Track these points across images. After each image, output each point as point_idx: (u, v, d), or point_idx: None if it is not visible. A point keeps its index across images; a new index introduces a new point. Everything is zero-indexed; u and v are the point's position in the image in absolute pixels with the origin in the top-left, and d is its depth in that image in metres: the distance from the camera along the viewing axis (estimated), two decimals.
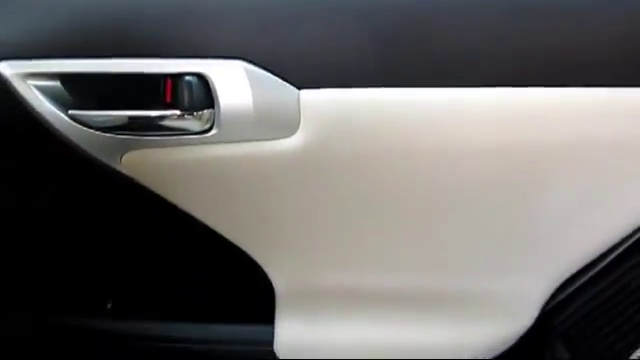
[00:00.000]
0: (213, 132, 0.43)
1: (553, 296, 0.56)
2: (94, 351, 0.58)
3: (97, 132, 0.43)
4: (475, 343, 0.56)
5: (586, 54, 0.43)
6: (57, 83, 0.42)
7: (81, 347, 0.58)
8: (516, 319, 0.55)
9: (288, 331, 0.55)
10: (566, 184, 0.48)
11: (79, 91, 0.42)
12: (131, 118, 0.43)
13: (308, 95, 0.43)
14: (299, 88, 0.42)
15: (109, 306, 0.58)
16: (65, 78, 0.42)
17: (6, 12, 0.42)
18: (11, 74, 0.41)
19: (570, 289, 0.56)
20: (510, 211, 0.50)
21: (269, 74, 0.42)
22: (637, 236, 0.51)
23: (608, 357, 0.49)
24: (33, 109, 0.42)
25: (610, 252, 0.53)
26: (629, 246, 0.52)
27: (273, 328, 0.56)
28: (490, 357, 0.56)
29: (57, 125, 0.42)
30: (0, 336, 0.57)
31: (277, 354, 0.56)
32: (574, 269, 0.54)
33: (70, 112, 0.42)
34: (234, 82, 0.41)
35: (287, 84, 0.42)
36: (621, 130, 0.45)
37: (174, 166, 0.46)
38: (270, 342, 0.56)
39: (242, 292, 0.58)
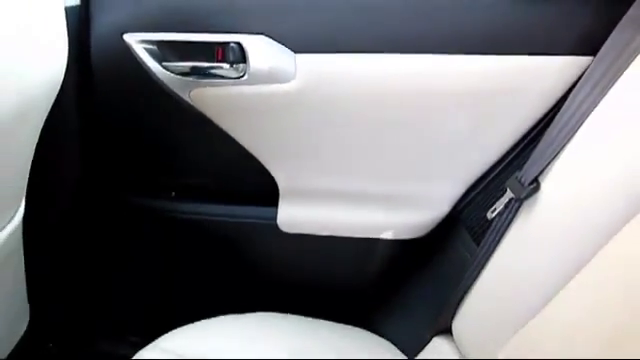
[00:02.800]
0: (245, 78, 0.70)
1: (461, 199, 0.83)
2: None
3: (177, 76, 0.72)
4: (407, 226, 0.82)
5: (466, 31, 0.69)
6: (155, 47, 0.71)
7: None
8: (434, 210, 0.80)
9: (286, 213, 0.82)
10: (461, 119, 0.74)
11: (168, 51, 0.71)
12: (197, 68, 0.71)
13: (300, 57, 0.70)
14: (295, 52, 0.70)
15: (173, 195, 0.86)
16: (160, 44, 0.71)
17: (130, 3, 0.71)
18: (132, 41, 0.70)
19: (472, 193, 0.83)
20: (430, 137, 0.76)
21: (278, 44, 0.70)
22: (514, 153, 0.76)
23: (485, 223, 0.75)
24: (143, 62, 0.71)
25: (496, 166, 0.78)
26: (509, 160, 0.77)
27: (277, 210, 0.82)
28: (416, 236, 0.82)
29: (155, 71, 0.71)
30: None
31: (279, 226, 0.83)
32: (474, 178, 0.79)
33: (163, 63, 0.71)
34: (258, 48, 0.70)
35: (288, 50, 0.70)
36: (490, 85, 0.71)
37: (220, 98, 0.73)
38: (275, 219, 0.83)
39: (258, 187, 0.83)
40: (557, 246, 0.55)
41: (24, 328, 0.79)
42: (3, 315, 0.72)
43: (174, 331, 0.72)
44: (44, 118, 0.58)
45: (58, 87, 0.56)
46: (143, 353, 0.69)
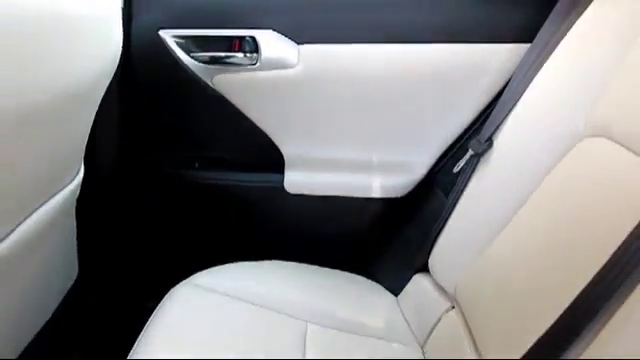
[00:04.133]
0: (257, 65, 0.87)
1: (435, 164, 1.00)
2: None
3: (202, 64, 0.88)
4: (392, 187, 0.98)
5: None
6: (184, 41, 0.87)
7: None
8: (413, 174, 0.97)
9: (291, 178, 0.98)
10: (434, 97, 0.91)
11: (195, 44, 0.87)
12: (218, 57, 0.87)
13: (303, 47, 0.87)
14: (299, 44, 0.87)
15: (197, 165, 1.02)
16: (188, 38, 0.87)
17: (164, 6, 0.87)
18: (166, 36, 0.86)
19: (444, 160, 1.00)
20: (409, 113, 0.93)
21: (284, 36, 0.86)
22: (476, 125, 0.94)
23: None
24: (175, 53, 0.87)
25: (462, 136, 0.96)
26: (472, 131, 0.95)
27: (283, 176, 0.98)
28: (399, 195, 0.99)
29: (184, 61, 0.87)
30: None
31: (286, 189, 0.99)
32: (445, 147, 0.97)
33: (191, 54, 0.87)
34: (268, 40, 0.86)
35: (293, 42, 0.87)
36: (453, 69, 0.88)
37: (237, 82, 0.89)
38: (282, 183, 0.99)
39: (267, 157, 0.98)
40: (507, 184, 0.73)
41: (73, 280, 0.94)
42: (57, 263, 0.87)
43: (203, 271, 0.88)
44: (105, 89, 0.73)
45: (117, 63, 0.72)
46: (179, 287, 0.84)
